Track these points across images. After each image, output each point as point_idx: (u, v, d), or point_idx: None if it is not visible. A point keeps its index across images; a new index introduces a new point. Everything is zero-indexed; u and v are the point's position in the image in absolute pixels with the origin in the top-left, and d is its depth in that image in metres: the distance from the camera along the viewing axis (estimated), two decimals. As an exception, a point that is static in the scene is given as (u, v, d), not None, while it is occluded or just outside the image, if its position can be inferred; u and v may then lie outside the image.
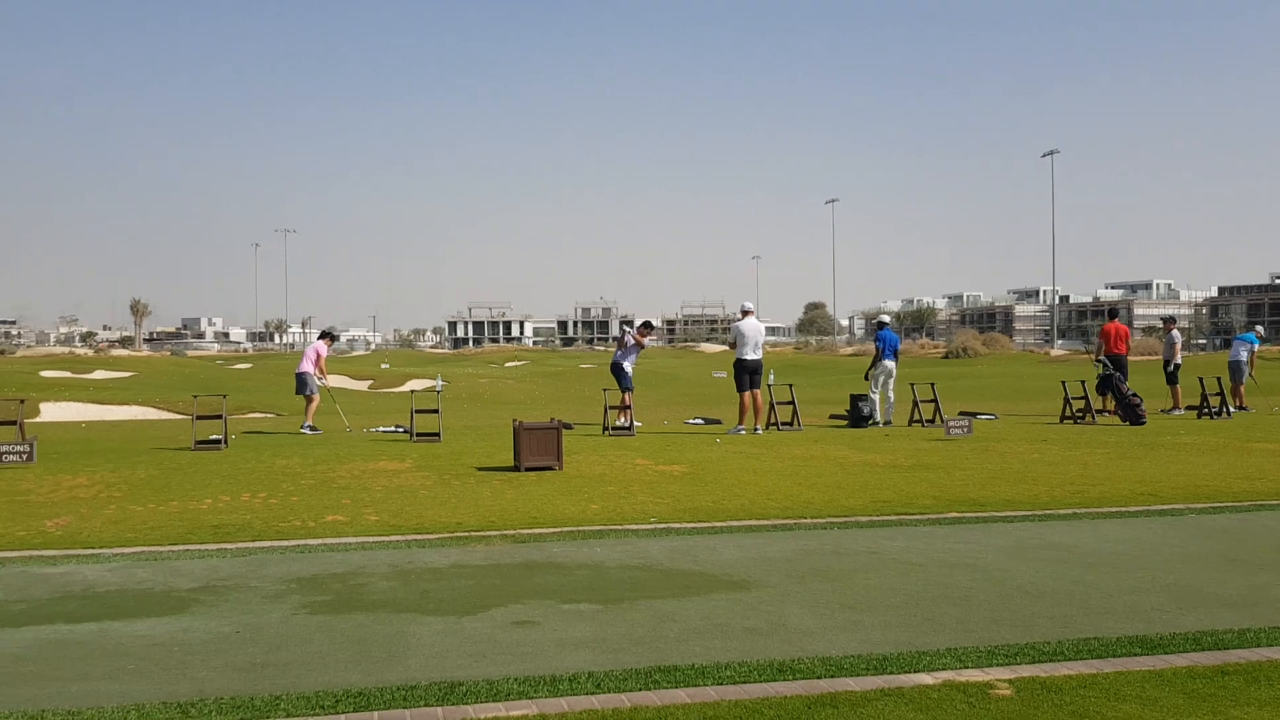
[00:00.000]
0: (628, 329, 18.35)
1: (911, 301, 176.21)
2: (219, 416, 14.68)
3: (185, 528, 8.18)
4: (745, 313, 16.59)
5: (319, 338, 17.99)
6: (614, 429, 16.22)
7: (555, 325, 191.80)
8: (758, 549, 7.47)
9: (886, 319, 19.31)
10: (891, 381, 18.35)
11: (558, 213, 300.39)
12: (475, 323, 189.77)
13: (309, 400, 17.02)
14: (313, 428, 16.85)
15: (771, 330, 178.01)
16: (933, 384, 19.16)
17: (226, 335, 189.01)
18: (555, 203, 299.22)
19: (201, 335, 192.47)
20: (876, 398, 18.06)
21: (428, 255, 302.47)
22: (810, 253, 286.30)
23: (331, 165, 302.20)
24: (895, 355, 18.50)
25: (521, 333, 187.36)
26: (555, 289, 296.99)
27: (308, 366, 17.27)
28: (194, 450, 13.72)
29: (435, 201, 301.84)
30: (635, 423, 17.10)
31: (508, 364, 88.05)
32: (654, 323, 19.09)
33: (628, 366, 17.73)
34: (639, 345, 17.89)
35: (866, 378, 18.40)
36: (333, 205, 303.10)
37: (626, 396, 17.34)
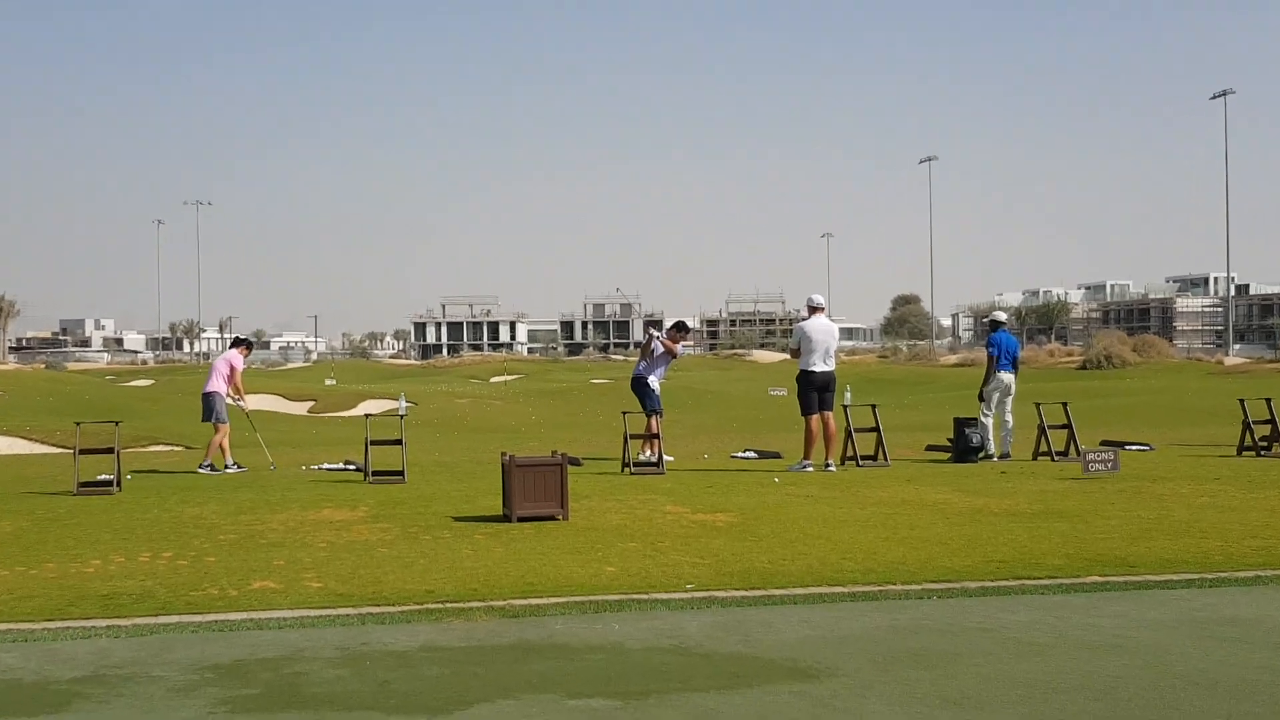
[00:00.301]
0: (655, 332, 18.41)
1: (1036, 294, 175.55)
2: (109, 450, 14.82)
3: (66, 598, 8.24)
4: (813, 309, 16.62)
5: (232, 346, 18.25)
6: (637, 465, 16.26)
7: (558, 327, 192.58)
8: (830, 625, 7.44)
9: (1002, 317, 19.27)
10: (1010, 401, 18.30)
11: (561, 181, 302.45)
12: (451, 324, 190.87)
13: (216, 429, 17.21)
14: (227, 465, 16.98)
15: (848, 333, 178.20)
16: (1065, 404, 19.11)
17: (119, 342, 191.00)
18: (557, 169, 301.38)
19: (86, 343, 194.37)
20: (990, 422, 18.00)
21: (388, 238, 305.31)
22: (899, 230, 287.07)
23: (260, 122, 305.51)
24: (1015, 365, 18.46)
25: (513, 337, 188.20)
26: (557, 280, 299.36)
27: (217, 385, 17.48)
28: (77, 495, 13.86)
29: (399, 168, 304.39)
30: (665, 456, 17.12)
31: (494, 379, 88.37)
32: (689, 323, 19.37)
33: (654, 382, 17.79)
34: (670, 354, 17.95)
35: (981, 398, 18.35)
36: (261, 174, 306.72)
37: (654, 422, 17.38)
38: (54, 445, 27.92)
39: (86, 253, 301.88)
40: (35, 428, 30.81)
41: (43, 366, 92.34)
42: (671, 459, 17.79)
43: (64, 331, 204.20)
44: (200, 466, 17.02)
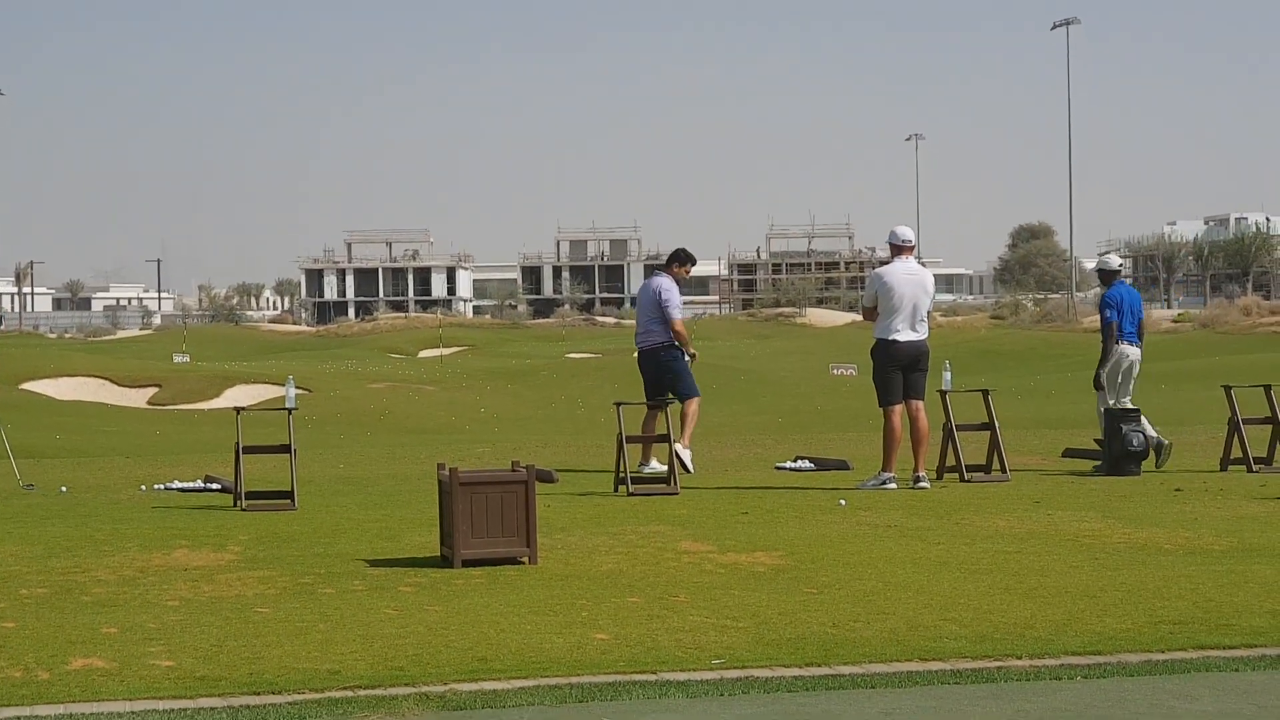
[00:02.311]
0: (659, 274, 18.66)
1: (1224, 222, 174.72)
2: None
3: None
4: (897, 249, 16.62)
5: None
6: (638, 481, 16.24)
7: (518, 275, 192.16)
8: (925, 719, 7.45)
9: (1115, 263, 19.37)
10: (1132, 383, 18.45)
11: (519, 63, 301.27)
12: (360, 271, 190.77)
13: None
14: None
15: (946, 282, 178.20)
16: (1268, 388, 19.04)
17: None
18: (514, 43, 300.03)
19: None
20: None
21: (266, 146, 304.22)
22: (1022, 129, 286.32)
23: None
24: (1139, 333, 18.60)
25: (451, 290, 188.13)
26: (517, 208, 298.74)
27: None
28: None
29: (280, 38, 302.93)
30: (686, 463, 17.49)
31: (425, 352, 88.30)
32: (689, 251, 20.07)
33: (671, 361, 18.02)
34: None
35: (1098, 383, 18.38)
36: (78, 51, 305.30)
37: (690, 407, 17.88)
38: None
39: None
40: None
41: None
42: (690, 471, 17.84)
43: None
44: None
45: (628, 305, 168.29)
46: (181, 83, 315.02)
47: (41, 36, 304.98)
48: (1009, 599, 10.10)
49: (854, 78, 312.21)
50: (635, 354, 19.18)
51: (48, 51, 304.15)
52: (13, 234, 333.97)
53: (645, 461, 17.77)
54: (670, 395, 18.12)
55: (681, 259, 19.34)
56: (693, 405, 18.39)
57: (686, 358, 18.65)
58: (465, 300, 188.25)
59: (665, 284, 18.63)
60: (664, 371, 18.50)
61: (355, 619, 9.59)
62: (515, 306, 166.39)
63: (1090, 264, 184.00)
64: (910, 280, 16.35)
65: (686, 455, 17.85)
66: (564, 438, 29.50)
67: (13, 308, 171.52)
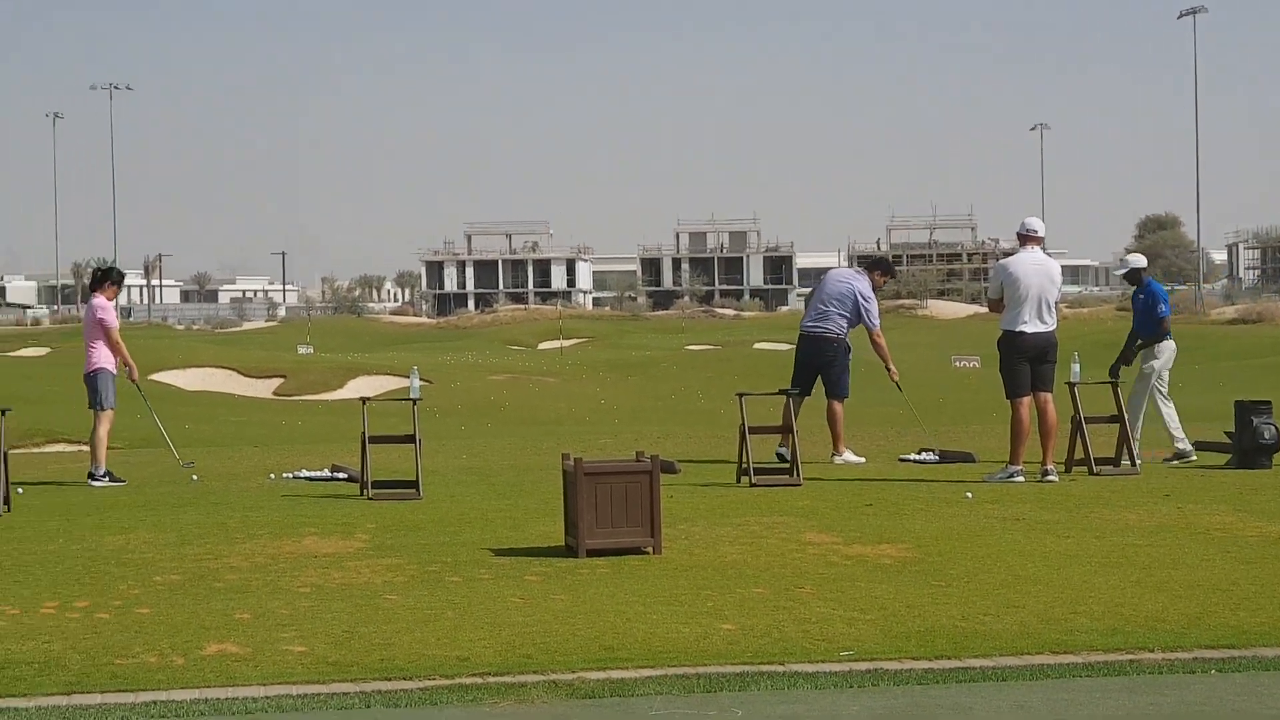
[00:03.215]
0: (860, 274, 19.34)
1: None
2: (-7, 452, 15.06)
3: (-60, 666, 8.40)
4: (1025, 239, 16.52)
5: (92, 290, 18.15)
6: (760, 472, 16.22)
7: (637, 267, 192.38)
8: (1058, 712, 7.39)
9: (1142, 262, 19.26)
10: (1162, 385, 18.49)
11: (638, 59, 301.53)
12: (480, 263, 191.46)
13: (97, 424, 17.27)
14: (94, 474, 17.10)
15: (1072, 273, 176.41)
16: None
17: (0, 293, 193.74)
18: (633, 40, 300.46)
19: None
20: (1169, 412, 18.15)
21: (388, 141, 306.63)
22: (1148, 120, 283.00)
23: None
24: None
25: (571, 282, 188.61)
26: (636, 200, 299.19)
27: (104, 356, 17.45)
28: (-51, 517, 14.11)
29: (399, 41, 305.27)
30: (856, 460, 18.25)
31: (545, 344, 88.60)
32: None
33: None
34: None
35: (1114, 371, 18.34)
36: (202, 48, 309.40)
37: (836, 408, 18.54)
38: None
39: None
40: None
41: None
42: (849, 456, 18.27)
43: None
44: (92, 479, 17.09)
45: (747, 297, 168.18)
46: (304, 77, 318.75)
47: (170, 33, 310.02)
48: (1140, 592, 10.01)
49: (978, 67, 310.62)
50: (799, 335, 19.29)
51: (176, 47, 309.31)
52: (142, 228, 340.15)
53: (784, 444, 17.70)
54: (795, 388, 18.14)
55: (885, 267, 19.86)
56: (839, 407, 18.61)
57: (893, 379, 19.29)
58: (585, 292, 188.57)
59: (867, 290, 18.84)
60: (828, 364, 18.70)
61: (483, 607, 9.65)
62: (635, 298, 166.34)
63: (1219, 256, 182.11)
64: (1037, 270, 16.21)
65: (852, 456, 18.52)
66: (684, 429, 29.49)
67: (142, 300, 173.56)
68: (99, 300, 17.57)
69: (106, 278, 18.02)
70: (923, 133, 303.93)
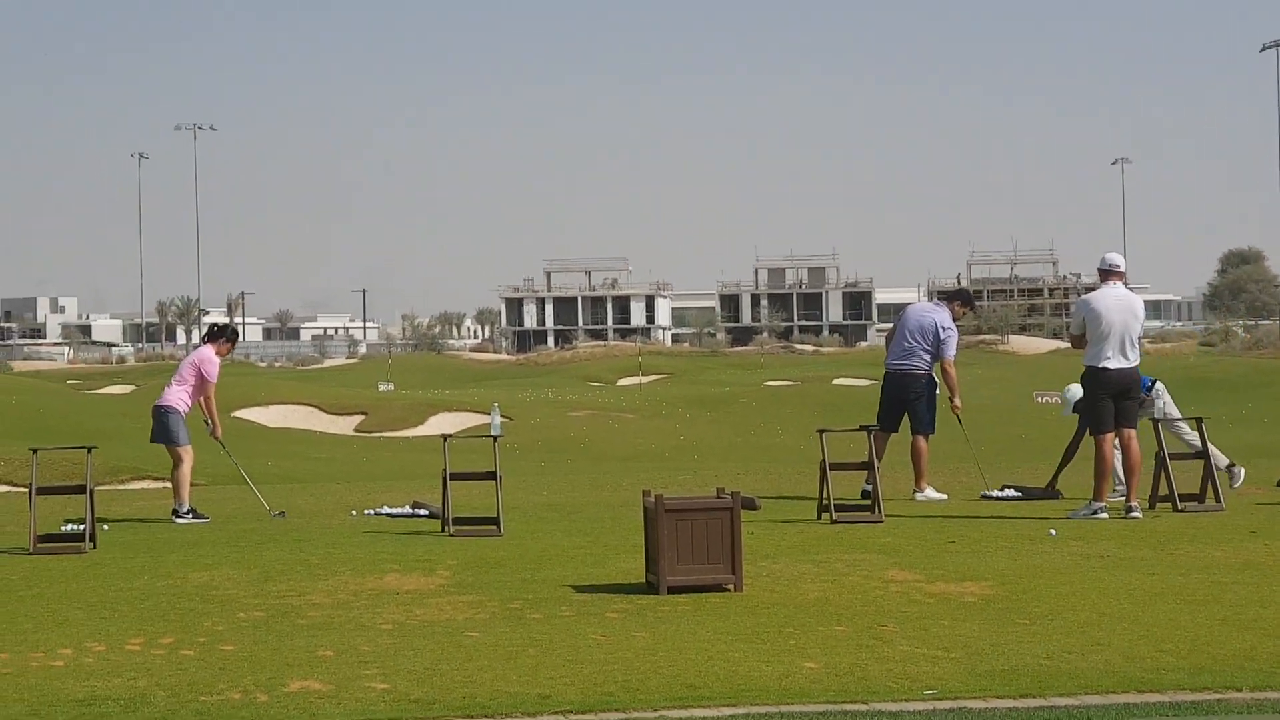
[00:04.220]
0: (940, 306, 19.33)
1: None
2: (79, 489, 15.17)
3: (26, 704, 8.47)
4: (1107, 275, 16.41)
5: (206, 339, 18.31)
6: (841, 509, 16.15)
7: (716, 303, 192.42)
8: (1144, 752, 7.33)
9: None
10: (1179, 424, 18.54)
11: (716, 94, 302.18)
12: (560, 300, 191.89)
13: (178, 462, 17.36)
14: (178, 510, 17.20)
15: (1154, 308, 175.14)
16: None
17: (85, 331, 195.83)
18: (713, 76, 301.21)
19: (39, 332, 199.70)
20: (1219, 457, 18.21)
21: (468, 178, 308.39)
22: (1228, 152, 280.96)
23: (285, 28, 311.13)
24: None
25: (651, 319, 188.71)
26: (714, 236, 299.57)
27: (179, 397, 17.56)
28: (35, 553, 14.19)
29: (480, 82, 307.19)
30: (939, 498, 18.12)
31: (625, 380, 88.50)
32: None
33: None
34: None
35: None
36: (282, 89, 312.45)
37: (920, 444, 18.46)
38: (-2, 481, 28.57)
39: (36, 205, 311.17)
40: (-29, 456, 31.49)
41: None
42: (930, 493, 18.31)
43: (7, 317, 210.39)
44: (176, 516, 17.18)
45: (825, 333, 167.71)
46: (384, 116, 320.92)
47: (251, 73, 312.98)
48: (1227, 630, 9.91)
49: (1059, 102, 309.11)
50: (884, 373, 19.23)
51: (257, 87, 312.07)
52: (225, 266, 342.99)
53: (869, 481, 17.62)
54: (882, 425, 18.14)
55: (965, 299, 19.86)
56: (923, 443, 18.57)
57: (955, 411, 19.13)
58: (664, 328, 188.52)
59: (947, 321, 18.81)
60: (915, 399, 18.65)
61: (564, 644, 9.65)
62: (714, 334, 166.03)
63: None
64: (1119, 306, 16.10)
65: (934, 493, 18.43)
66: (764, 465, 29.43)
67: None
68: (209, 353, 17.73)
69: (222, 334, 18.20)
70: (1003, 167, 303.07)
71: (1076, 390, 17.46)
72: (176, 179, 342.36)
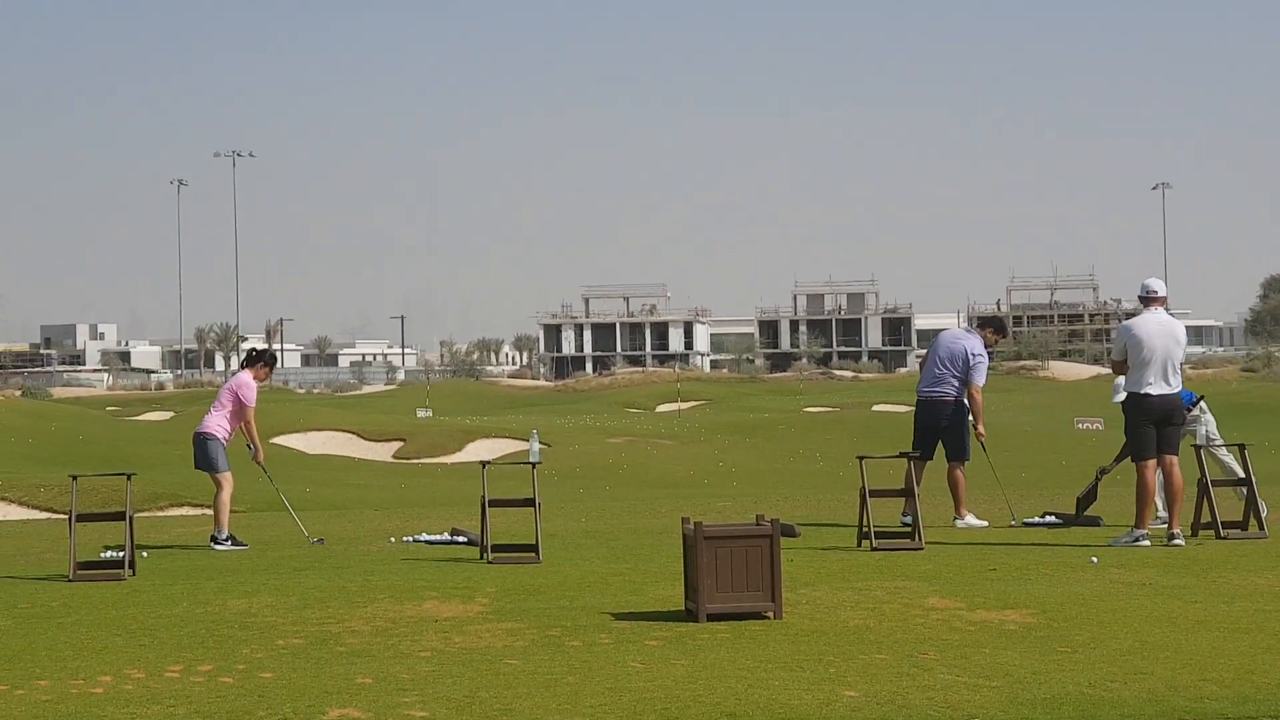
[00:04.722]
0: (972, 333, 19.45)
1: None
2: (118, 516, 15.22)
3: (66, 730, 8.49)
4: (1147, 300, 16.36)
5: (243, 365, 18.44)
6: (881, 536, 16.11)
7: (755, 329, 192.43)
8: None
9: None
10: (1217, 446, 18.47)
11: (753, 120, 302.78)
12: (598, 326, 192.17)
13: (219, 488, 17.45)
14: (217, 538, 17.28)
15: (1196, 334, 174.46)
16: None
17: (125, 358, 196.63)
18: (750, 100, 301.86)
19: (78, 359, 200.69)
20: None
21: (505, 205, 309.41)
22: (1269, 180, 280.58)
23: (323, 57, 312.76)
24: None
25: (689, 345, 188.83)
26: (752, 262, 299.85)
27: (218, 423, 17.68)
28: (74, 580, 14.25)
29: (519, 107, 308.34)
30: (979, 525, 18.23)
31: (663, 407, 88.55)
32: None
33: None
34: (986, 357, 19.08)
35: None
36: (321, 116, 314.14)
37: (956, 472, 18.59)
38: (37, 508, 28.72)
39: (76, 232, 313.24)
40: (10, 482, 31.66)
41: (18, 394, 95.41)
42: (971, 520, 18.30)
43: (47, 344, 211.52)
44: (215, 542, 17.27)
45: (865, 358, 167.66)
46: (421, 143, 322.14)
47: (291, 101, 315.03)
48: (1272, 659, 9.85)
49: (1098, 127, 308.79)
50: (916, 400, 19.36)
51: (296, 115, 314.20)
52: (264, 293, 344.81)
53: (907, 512, 17.57)
54: (917, 451, 18.11)
55: (997, 325, 20.10)
56: (960, 471, 18.69)
57: (979, 438, 19.07)
58: (702, 354, 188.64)
59: (978, 348, 18.95)
60: (946, 426, 18.80)
61: (603, 672, 9.64)
62: (753, 360, 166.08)
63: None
64: (1161, 331, 16.06)
65: (974, 520, 18.51)
66: (803, 492, 29.38)
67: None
68: (246, 378, 17.91)
69: (260, 359, 18.37)
70: (1043, 192, 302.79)
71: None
72: (216, 206, 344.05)
